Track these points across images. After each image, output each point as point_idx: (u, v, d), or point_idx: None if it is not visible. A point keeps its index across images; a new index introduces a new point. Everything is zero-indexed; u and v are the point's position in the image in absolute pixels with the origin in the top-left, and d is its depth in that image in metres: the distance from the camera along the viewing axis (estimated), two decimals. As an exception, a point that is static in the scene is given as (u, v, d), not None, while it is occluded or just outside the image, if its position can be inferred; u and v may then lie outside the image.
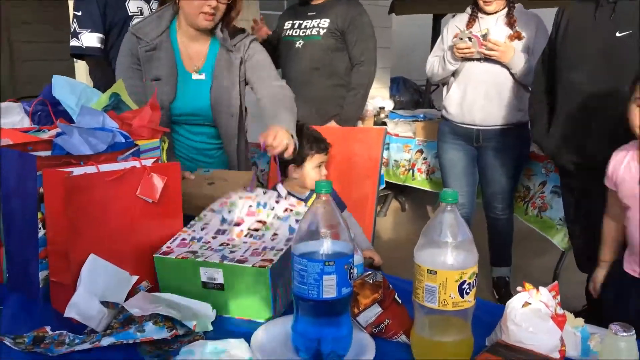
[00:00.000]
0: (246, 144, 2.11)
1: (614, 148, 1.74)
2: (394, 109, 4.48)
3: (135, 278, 1.17)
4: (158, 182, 1.22)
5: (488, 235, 3.02)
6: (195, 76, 1.95)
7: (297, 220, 1.28)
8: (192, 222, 1.31)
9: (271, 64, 2.04)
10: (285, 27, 2.95)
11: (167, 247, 1.21)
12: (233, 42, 1.95)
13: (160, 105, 1.63)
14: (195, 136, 2.00)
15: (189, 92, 1.93)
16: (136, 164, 1.24)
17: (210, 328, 1.09)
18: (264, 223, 1.29)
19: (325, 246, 0.96)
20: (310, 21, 2.87)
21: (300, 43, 2.87)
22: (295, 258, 0.97)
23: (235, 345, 0.99)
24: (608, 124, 2.01)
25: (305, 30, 2.87)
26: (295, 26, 2.91)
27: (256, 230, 1.27)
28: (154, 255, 1.18)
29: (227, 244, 1.22)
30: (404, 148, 3.86)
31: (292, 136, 1.76)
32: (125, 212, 1.19)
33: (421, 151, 3.76)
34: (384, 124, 4.14)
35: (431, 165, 3.71)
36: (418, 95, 5.79)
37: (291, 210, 1.32)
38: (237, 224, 1.30)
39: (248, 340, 1.02)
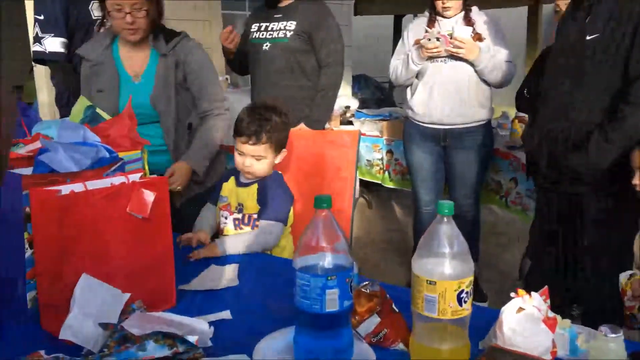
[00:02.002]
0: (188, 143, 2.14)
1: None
2: (358, 107, 4.52)
3: (127, 296, 1.15)
4: (148, 197, 1.20)
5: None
6: (135, 81, 2.09)
7: None
8: None
9: (210, 69, 2.16)
10: (252, 30, 2.94)
11: None
12: (169, 47, 2.08)
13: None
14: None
15: (126, 97, 1.99)
16: (123, 179, 1.22)
17: (210, 344, 1.09)
18: None
19: (327, 260, 0.97)
20: (276, 23, 2.85)
21: (267, 45, 2.86)
22: (298, 273, 0.98)
23: (238, 361, 1.00)
24: (570, 132, 2.00)
25: (272, 32, 2.86)
26: (262, 29, 2.90)
27: None
28: None
29: None
30: (373, 147, 3.90)
31: (194, 170, 2.01)
32: (115, 229, 1.17)
33: (391, 152, 3.80)
34: (350, 123, 4.17)
35: (404, 165, 3.73)
36: (380, 92, 5.84)
37: None
38: None
39: (249, 354, 1.03)
